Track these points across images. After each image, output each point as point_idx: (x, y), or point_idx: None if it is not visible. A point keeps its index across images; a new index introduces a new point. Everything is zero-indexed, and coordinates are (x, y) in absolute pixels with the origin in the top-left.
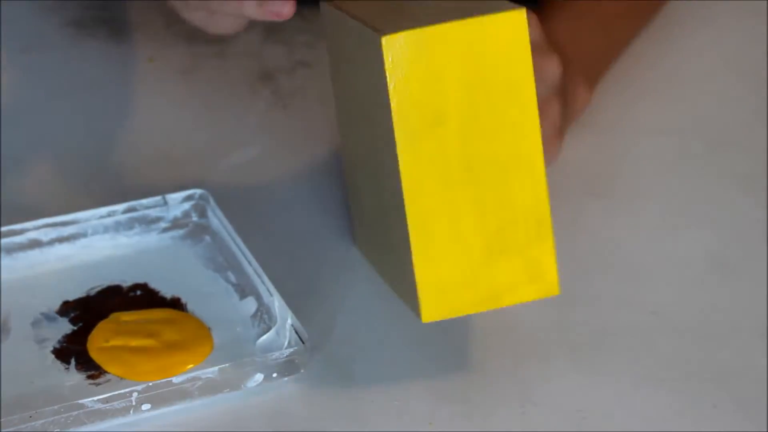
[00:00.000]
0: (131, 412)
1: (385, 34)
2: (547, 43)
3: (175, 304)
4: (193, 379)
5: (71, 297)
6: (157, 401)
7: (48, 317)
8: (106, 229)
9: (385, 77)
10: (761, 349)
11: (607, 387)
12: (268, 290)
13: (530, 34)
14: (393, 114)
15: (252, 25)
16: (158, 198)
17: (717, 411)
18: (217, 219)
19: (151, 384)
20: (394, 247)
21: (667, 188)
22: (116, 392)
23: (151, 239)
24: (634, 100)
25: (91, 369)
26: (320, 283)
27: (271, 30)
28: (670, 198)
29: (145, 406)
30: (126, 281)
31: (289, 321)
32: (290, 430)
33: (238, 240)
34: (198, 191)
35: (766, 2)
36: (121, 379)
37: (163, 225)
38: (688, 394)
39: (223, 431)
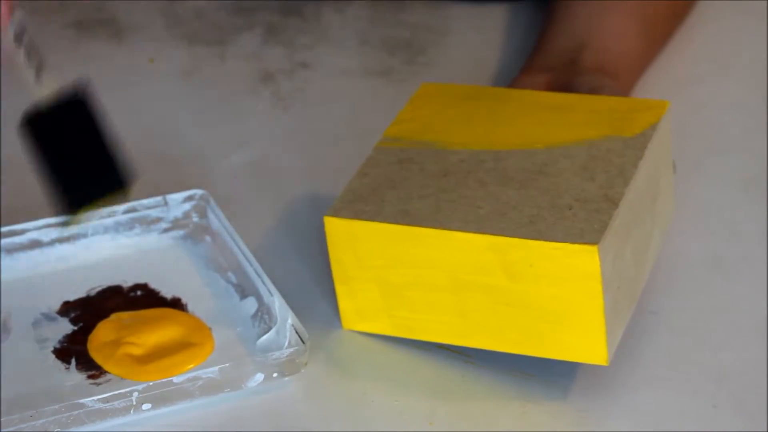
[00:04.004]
0: (132, 411)
1: None
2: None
3: (176, 304)
4: (194, 378)
5: (72, 297)
6: (158, 401)
7: (48, 317)
8: (106, 230)
9: None
10: (761, 349)
11: (607, 387)
12: (269, 290)
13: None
14: None
15: (252, 26)
16: (159, 198)
17: (717, 411)
18: (217, 219)
19: (151, 384)
20: None
21: None
22: (117, 392)
23: (152, 239)
24: None
25: (92, 369)
26: (320, 283)
27: (271, 31)
28: None
29: (146, 406)
30: (126, 281)
31: (290, 321)
32: (290, 430)
33: (239, 240)
34: (198, 191)
35: (766, 2)
36: (122, 378)
37: (163, 225)
38: (688, 394)
39: (223, 431)
